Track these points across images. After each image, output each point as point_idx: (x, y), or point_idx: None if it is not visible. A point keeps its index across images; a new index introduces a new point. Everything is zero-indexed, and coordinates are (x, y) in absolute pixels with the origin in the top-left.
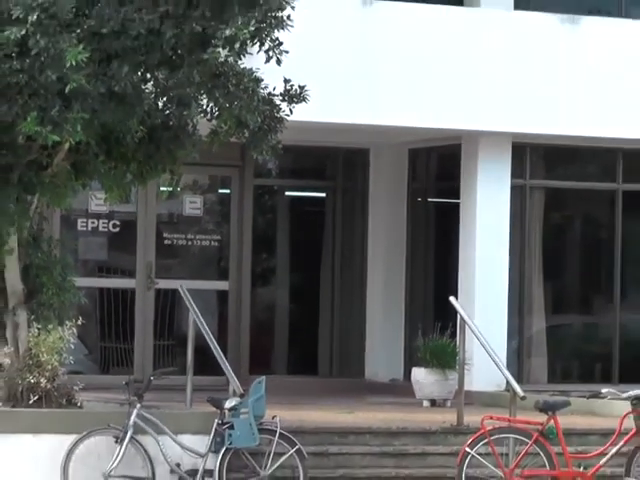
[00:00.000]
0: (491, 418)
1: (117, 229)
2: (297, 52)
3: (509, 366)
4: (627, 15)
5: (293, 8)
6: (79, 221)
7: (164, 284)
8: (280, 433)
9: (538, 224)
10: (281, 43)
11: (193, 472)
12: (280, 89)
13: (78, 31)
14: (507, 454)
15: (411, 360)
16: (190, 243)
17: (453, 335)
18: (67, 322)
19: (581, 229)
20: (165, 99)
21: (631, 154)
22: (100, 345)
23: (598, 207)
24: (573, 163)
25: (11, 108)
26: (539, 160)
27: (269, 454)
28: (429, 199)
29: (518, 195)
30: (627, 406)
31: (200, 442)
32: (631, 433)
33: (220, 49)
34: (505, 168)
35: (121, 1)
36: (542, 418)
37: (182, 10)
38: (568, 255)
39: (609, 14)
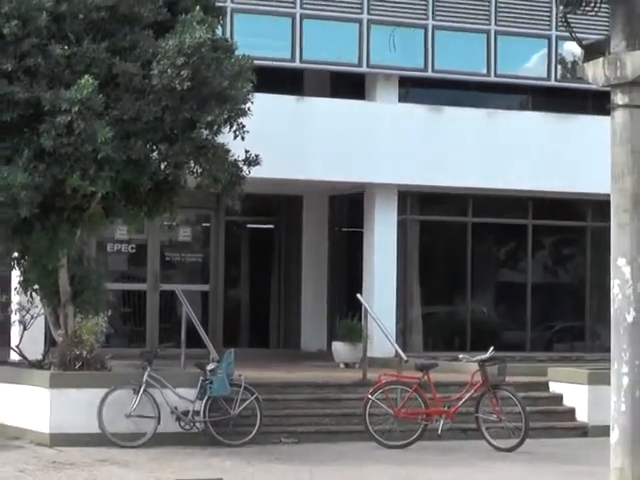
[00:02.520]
0: (385, 375)
1: (134, 250)
2: (253, 132)
3: (397, 340)
4: (474, 106)
5: (252, 103)
6: (108, 245)
7: (166, 287)
8: (244, 386)
9: (415, 245)
10: (244, 126)
11: (186, 412)
12: (242, 156)
13: (107, 118)
14: (396, 399)
15: (331, 336)
16: (183, 259)
17: (359, 319)
18: (100, 313)
19: (444, 248)
20: (166, 164)
21: (479, 197)
22: (123, 328)
23: (455, 233)
24: (438, 204)
25: (62, 169)
26: (415, 202)
27: (237, 400)
28: (342, 229)
29: (402, 226)
30: (476, 366)
31: (190, 393)
32: (478, 384)
33: (203, 130)
34: (393, 208)
35: (137, 97)
36: (419, 375)
37: (177, 104)
38: (435, 266)
39: (462, 105)
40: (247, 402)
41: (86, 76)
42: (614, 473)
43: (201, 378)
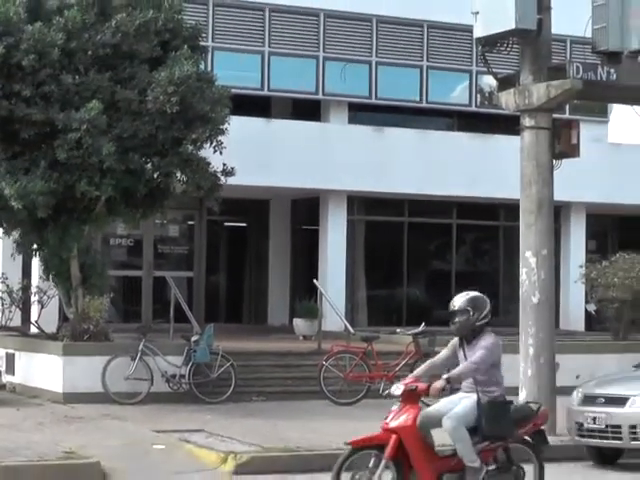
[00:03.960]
0: (336, 345)
1: (131, 243)
2: (229, 147)
3: (346, 317)
4: (409, 127)
5: (229, 124)
6: (111, 239)
7: (158, 274)
8: (221, 354)
9: (361, 241)
10: (222, 143)
11: (174, 376)
12: (220, 168)
13: (109, 135)
14: (345, 365)
15: (293, 313)
16: (172, 251)
17: (316, 300)
18: (104, 295)
19: (385, 243)
20: (158, 173)
21: (413, 201)
22: (122, 307)
23: (394, 231)
24: (380, 207)
25: (73, 177)
26: (361, 205)
27: (216, 366)
28: (302, 227)
29: (350, 225)
30: (410, 338)
31: (177, 360)
32: (412, 353)
33: (188, 146)
34: (343, 210)
35: (134, 119)
36: (364, 345)
37: (167, 124)
38: (377, 257)
39: (400, 126)
40: (224, 367)
41: (93, 101)
42: None
43: (186, 348)
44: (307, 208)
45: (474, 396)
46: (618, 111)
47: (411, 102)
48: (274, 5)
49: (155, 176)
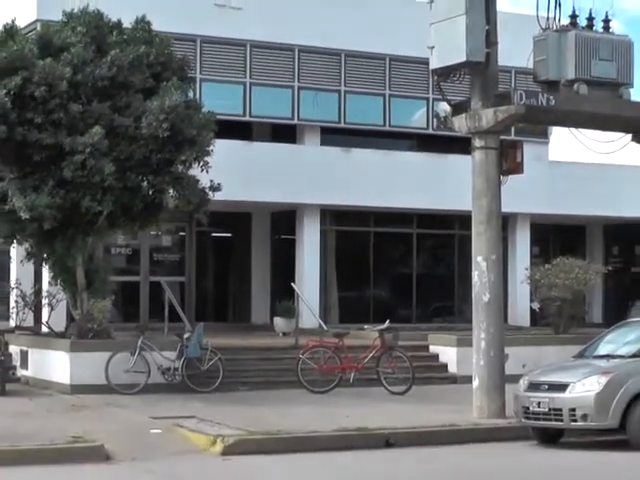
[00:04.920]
0: (311, 341)
1: (130, 252)
2: (215, 167)
3: (320, 316)
4: (374, 148)
5: (214, 146)
6: (112, 249)
7: (153, 279)
8: (210, 349)
9: (333, 248)
10: (208, 162)
11: (168, 369)
12: (207, 184)
13: (110, 157)
14: (320, 358)
15: (273, 313)
16: (165, 259)
17: (293, 301)
18: (106, 298)
19: (354, 250)
20: (152, 190)
21: (378, 213)
22: (123, 309)
23: (361, 239)
24: (349, 218)
25: (78, 194)
26: (333, 217)
27: (205, 359)
28: (281, 236)
29: (323, 234)
30: (376, 334)
31: (172, 355)
32: (378, 347)
33: (179, 166)
34: (316, 221)
35: (131, 142)
36: (336, 340)
37: (160, 147)
38: (347, 262)
39: (366, 147)
40: (213, 361)
41: (96, 127)
42: (475, 409)
43: (179, 344)
44: (285, 220)
45: None
46: (557, 133)
47: (375, 126)
48: (254, 41)
49: (150, 193)
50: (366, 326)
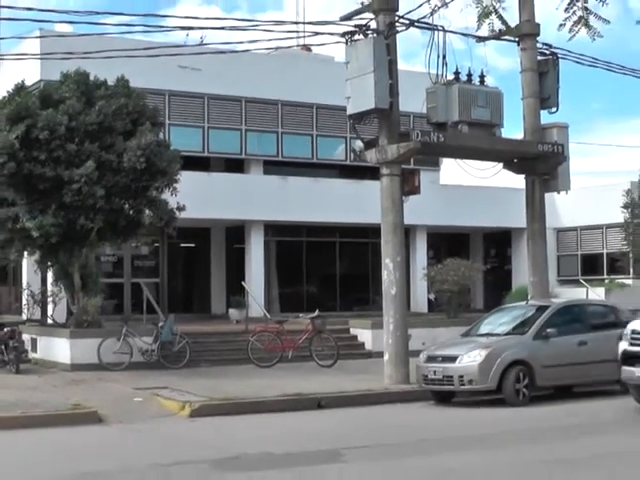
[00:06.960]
0: (258, 327)
1: (116, 260)
2: (181, 192)
3: (265, 307)
4: (305, 176)
5: (180, 176)
6: (102, 257)
7: (134, 280)
8: (180, 334)
9: (274, 255)
10: (176, 188)
11: (147, 350)
12: (175, 205)
13: (100, 185)
14: (265, 340)
15: (228, 305)
16: (143, 264)
17: (244, 296)
18: (98, 296)
19: (290, 256)
20: (132, 210)
21: (309, 227)
22: (111, 304)
23: (297, 248)
24: (286, 231)
25: (75, 215)
26: (275, 230)
27: (176, 342)
28: (234, 246)
29: (266, 244)
30: (309, 320)
31: (149, 339)
32: (310, 331)
33: (153, 191)
34: (261, 234)
35: (115, 174)
36: (278, 326)
37: (138, 177)
38: (286, 266)
39: (299, 176)
40: (182, 344)
41: (88, 161)
42: (386, 377)
43: (155, 330)
44: (236, 233)
45: None
46: (446, 162)
47: (306, 159)
48: (211, 94)
49: (131, 212)
50: (300, 314)
